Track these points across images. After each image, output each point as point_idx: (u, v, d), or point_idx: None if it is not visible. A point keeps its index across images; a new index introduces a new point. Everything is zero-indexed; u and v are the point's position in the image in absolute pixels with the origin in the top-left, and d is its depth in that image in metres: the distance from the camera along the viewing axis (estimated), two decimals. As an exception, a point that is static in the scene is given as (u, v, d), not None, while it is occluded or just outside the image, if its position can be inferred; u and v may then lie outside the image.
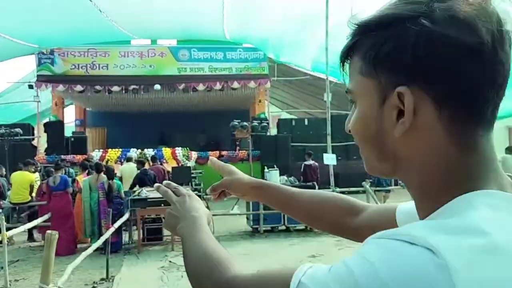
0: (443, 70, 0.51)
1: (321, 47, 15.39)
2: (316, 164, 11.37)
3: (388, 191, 9.85)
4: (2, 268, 5.62)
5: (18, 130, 11.58)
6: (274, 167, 8.88)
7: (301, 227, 8.55)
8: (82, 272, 6.00)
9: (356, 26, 0.56)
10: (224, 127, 21.75)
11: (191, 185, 10.19)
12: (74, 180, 8.25)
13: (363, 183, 8.32)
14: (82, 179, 8.25)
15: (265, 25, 13.88)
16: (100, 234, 7.27)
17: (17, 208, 8.85)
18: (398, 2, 0.54)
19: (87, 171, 8.47)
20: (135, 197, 7.49)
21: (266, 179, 9.15)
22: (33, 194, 8.57)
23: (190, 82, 17.02)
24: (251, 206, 8.58)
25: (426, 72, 0.51)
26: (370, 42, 0.55)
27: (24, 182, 8.48)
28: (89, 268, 6.41)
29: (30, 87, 16.18)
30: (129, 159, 10.47)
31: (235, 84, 17.06)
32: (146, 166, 9.54)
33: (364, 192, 8.79)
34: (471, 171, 0.53)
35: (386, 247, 0.46)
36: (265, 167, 9.03)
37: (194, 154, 15.16)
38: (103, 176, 7.75)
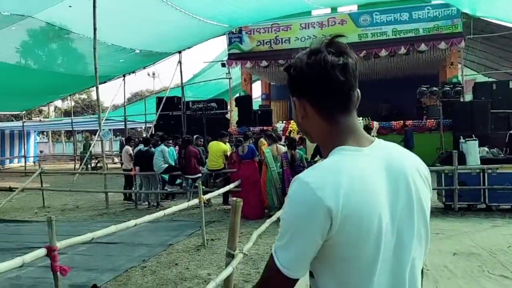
0: (303, 91, 1.09)
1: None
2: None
3: None
4: (200, 228, 6.27)
5: (213, 104, 12.83)
6: (472, 137, 7.71)
7: (507, 206, 7.31)
8: (269, 237, 6.25)
9: (283, 70, 1.16)
10: (408, 95, 20.18)
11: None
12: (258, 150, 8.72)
13: None
14: (265, 149, 8.64)
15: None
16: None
17: (213, 174, 9.85)
18: (294, 59, 1.12)
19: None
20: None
21: (462, 151, 8.09)
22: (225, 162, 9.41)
23: (372, 48, 16.17)
24: (443, 180, 7.69)
25: (299, 92, 1.10)
26: (287, 78, 1.13)
27: (219, 151, 9.37)
28: (275, 233, 6.67)
29: (223, 65, 17.74)
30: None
31: (422, 47, 15.51)
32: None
33: None
34: (338, 135, 1.08)
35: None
36: (461, 137, 7.91)
37: (375, 124, 14.44)
38: (280, 146, 8.00)
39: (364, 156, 1.03)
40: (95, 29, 9.92)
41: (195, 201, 5.95)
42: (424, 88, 12.26)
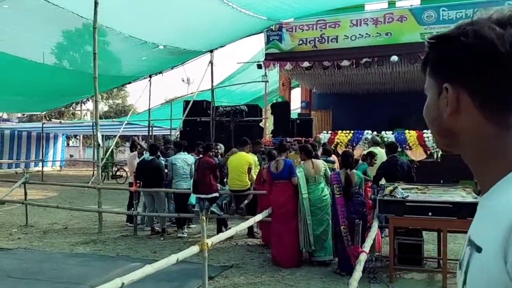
0: (470, 73, 0.73)
1: None
2: None
3: None
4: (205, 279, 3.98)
5: (243, 107, 10.62)
6: None
7: None
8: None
9: (428, 42, 0.80)
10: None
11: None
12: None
13: None
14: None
15: None
16: (336, 246, 5.11)
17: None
18: (453, 27, 0.77)
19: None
20: (387, 197, 4.99)
21: None
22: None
23: (437, 50, 13.52)
24: None
25: (459, 74, 0.74)
26: (432, 54, 0.79)
27: (242, 164, 6.99)
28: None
29: (259, 66, 15.53)
30: (376, 142, 8.10)
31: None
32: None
33: None
34: (507, 145, 0.71)
35: None
36: None
37: (442, 140, 11.77)
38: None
39: None
40: (96, 3, 7.93)
41: (192, 250, 3.63)
42: None
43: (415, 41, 13.80)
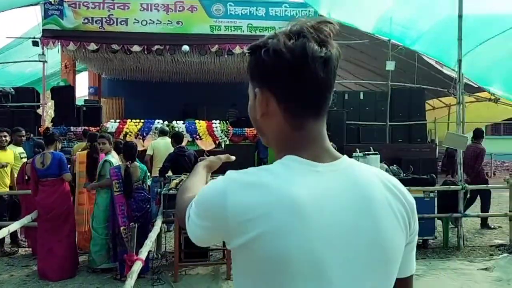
0: (271, 81, 0.85)
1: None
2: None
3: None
4: None
5: (8, 89, 8.79)
6: (370, 150, 5.97)
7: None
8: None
9: (246, 50, 0.91)
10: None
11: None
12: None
13: None
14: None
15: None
16: (114, 250, 4.54)
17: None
18: (264, 38, 0.87)
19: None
20: (170, 191, 4.66)
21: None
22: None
23: (225, 44, 14.04)
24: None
25: (264, 82, 0.86)
26: (249, 61, 0.90)
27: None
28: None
29: (35, 43, 13.36)
30: (163, 132, 7.67)
31: (279, 47, 14.00)
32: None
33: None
34: (297, 142, 0.85)
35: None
36: (357, 150, 6.11)
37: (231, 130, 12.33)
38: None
39: (315, 174, 0.82)
40: None
41: None
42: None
43: (205, 33, 14.06)
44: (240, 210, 0.76)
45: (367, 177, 0.85)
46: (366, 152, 5.88)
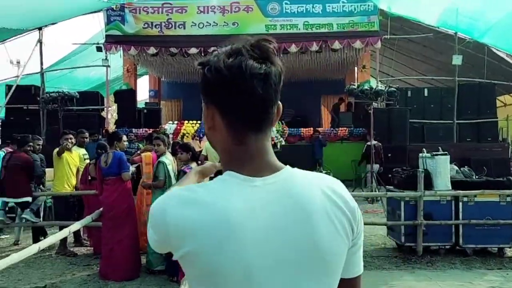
0: (214, 97, 0.89)
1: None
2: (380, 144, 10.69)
3: None
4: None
5: (73, 94, 9.16)
6: (438, 150, 5.53)
7: (492, 249, 5.23)
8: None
9: (198, 65, 0.92)
10: (311, 101, 18.67)
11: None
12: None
13: None
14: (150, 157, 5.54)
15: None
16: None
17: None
18: (210, 57, 0.90)
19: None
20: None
21: (426, 169, 5.90)
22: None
23: (281, 43, 13.82)
24: (402, 210, 5.38)
25: (209, 97, 0.90)
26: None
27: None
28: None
29: (99, 49, 13.97)
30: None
31: (336, 44, 13.61)
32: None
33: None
34: (239, 157, 0.89)
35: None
36: (424, 150, 5.68)
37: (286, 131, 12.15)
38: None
39: (252, 188, 0.86)
40: None
41: None
42: (354, 86, 10.04)
43: (260, 33, 13.98)
44: (177, 225, 0.82)
45: (305, 187, 0.88)
46: (434, 153, 5.45)
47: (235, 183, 0.86)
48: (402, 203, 5.36)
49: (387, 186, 6.50)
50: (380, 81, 14.26)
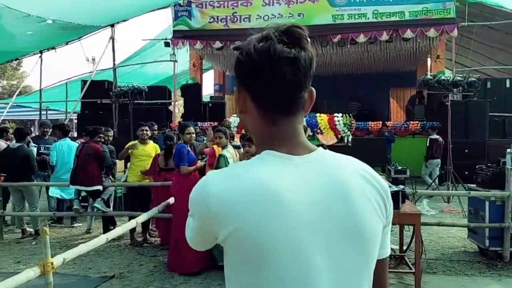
0: (245, 80, 0.91)
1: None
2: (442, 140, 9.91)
3: None
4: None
5: (143, 87, 9.37)
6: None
7: None
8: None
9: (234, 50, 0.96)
10: (379, 94, 17.87)
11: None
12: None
13: None
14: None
15: None
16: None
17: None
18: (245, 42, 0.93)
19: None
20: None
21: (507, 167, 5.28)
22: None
23: (348, 33, 13.37)
24: (487, 211, 4.86)
25: (241, 81, 0.92)
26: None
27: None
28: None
29: (166, 44, 14.32)
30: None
31: (408, 33, 12.83)
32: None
33: None
34: (272, 137, 0.90)
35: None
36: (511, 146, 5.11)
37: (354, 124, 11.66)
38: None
39: (292, 166, 0.87)
40: None
41: (28, 274, 2.60)
42: (430, 77, 9.37)
43: (326, 23, 13.57)
44: (220, 197, 0.82)
45: (341, 166, 0.89)
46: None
47: (274, 161, 0.87)
48: (487, 203, 4.85)
49: (468, 185, 5.94)
50: (456, 72, 13.26)
